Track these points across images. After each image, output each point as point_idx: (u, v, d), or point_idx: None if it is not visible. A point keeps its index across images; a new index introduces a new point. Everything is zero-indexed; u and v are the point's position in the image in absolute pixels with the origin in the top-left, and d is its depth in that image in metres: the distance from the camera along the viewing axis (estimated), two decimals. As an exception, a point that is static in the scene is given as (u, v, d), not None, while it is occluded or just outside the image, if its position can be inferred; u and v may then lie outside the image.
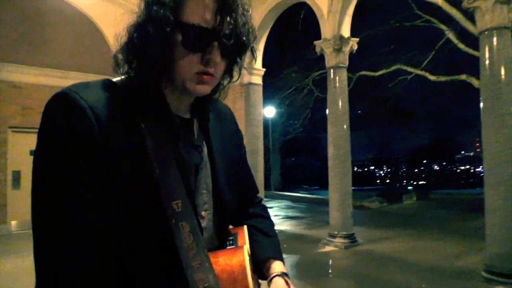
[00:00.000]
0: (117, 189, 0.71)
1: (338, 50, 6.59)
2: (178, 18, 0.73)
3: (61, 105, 0.70)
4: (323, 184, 7.08)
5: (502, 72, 4.48)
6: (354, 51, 6.80)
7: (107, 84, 0.78)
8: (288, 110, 19.55)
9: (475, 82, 10.83)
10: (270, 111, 19.93)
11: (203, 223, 0.85)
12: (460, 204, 11.66)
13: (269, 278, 0.93)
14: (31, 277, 0.70)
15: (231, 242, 0.93)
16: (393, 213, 10.89)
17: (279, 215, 10.93)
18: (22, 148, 8.07)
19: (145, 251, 0.74)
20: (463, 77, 11.45)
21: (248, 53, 0.85)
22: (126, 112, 0.75)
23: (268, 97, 16.90)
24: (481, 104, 4.68)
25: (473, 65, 8.84)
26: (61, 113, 0.70)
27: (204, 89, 0.79)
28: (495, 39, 4.51)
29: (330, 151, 6.72)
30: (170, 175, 0.76)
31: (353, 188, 6.87)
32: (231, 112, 1.07)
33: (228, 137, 0.99)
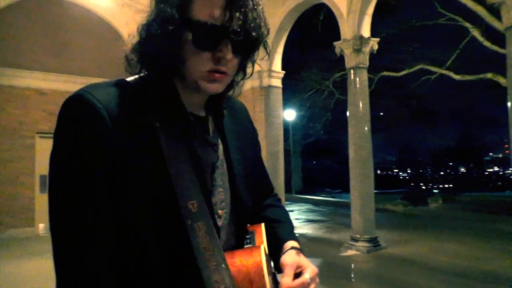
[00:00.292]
0: (131, 189, 0.71)
1: (358, 51, 6.50)
2: (186, 16, 0.72)
3: (77, 107, 0.71)
4: (346, 187, 6.97)
5: (531, 68, 4.31)
6: (375, 51, 6.69)
7: (120, 84, 0.78)
8: (308, 112, 19.40)
9: (502, 80, 10.48)
10: (290, 114, 19.88)
11: (220, 222, 0.84)
12: (489, 207, 11.26)
13: (282, 253, 0.90)
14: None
15: (248, 240, 0.91)
16: (418, 216, 10.63)
17: (300, 219, 10.84)
18: (49, 153, 8.31)
19: (161, 252, 0.73)
20: (489, 75, 11.12)
21: (262, 49, 0.83)
22: (140, 111, 0.75)
23: (288, 100, 16.91)
24: (509, 104, 4.51)
25: (499, 63, 8.56)
26: (77, 115, 0.70)
27: (216, 87, 0.78)
28: (522, 34, 4.35)
29: (351, 153, 6.62)
30: (186, 174, 0.75)
31: (376, 191, 6.74)
32: (246, 110, 1.06)
33: (243, 135, 0.97)
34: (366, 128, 6.52)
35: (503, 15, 4.55)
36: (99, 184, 0.69)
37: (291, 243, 0.93)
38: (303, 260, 0.87)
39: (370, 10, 6.61)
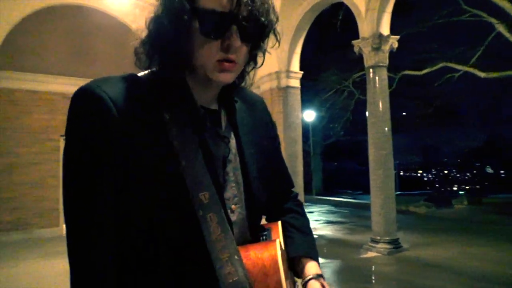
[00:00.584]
0: (141, 181, 0.71)
1: (377, 49, 6.40)
2: (193, 4, 0.72)
3: (84, 99, 0.72)
4: (367, 189, 6.87)
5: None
6: (395, 49, 6.57)
7: (130, 78, 0.79)
8: (328, 113, 19.19)
9: (530, 77, 10.10)
10: (309, 115, 19.72)
11: (233, 217, 0.83)
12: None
13: (303, 281, 0.88)
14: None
15: (264, 237, 0.90)
16: (442, 218, 10.35)
17: (320, 220, 10.72)
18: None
19: (173, 243, 0.73)
20: (517, 72, 10.73)
21: (272, 36, 0.82)
22: (150, 104, 0.75)
23: (307, 100, 16.77)
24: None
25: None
26: (84, 108, 0.71)
27: (227, 77, 0.77)
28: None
29: (371, 153, 6.51)
30: (196, 167, 0.75)
31: (399, 192, 6.61)
32: (263, 103, 1.03)
33: (259, 128, 0.95)
34: (386, 128, 6.40)
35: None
36: (110, 178, 0.70)
37: (313, 267, 0.90)
38: None
39: (390, 7, 6.50)
